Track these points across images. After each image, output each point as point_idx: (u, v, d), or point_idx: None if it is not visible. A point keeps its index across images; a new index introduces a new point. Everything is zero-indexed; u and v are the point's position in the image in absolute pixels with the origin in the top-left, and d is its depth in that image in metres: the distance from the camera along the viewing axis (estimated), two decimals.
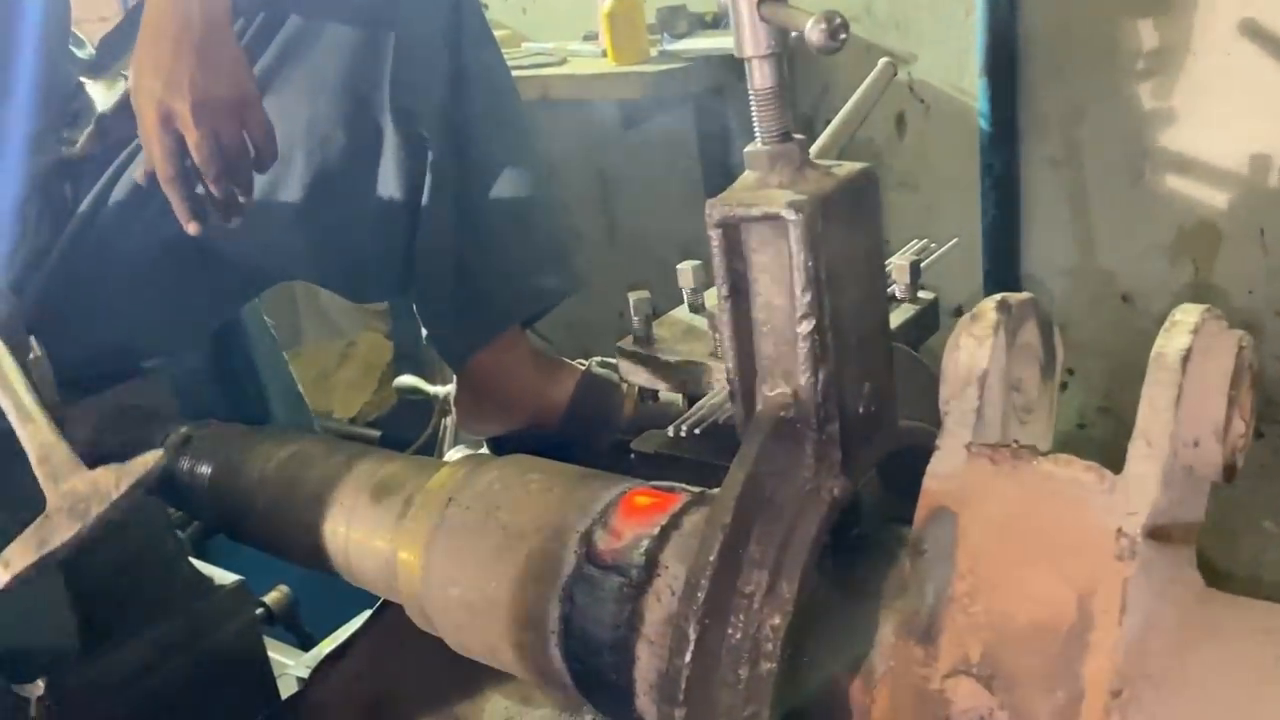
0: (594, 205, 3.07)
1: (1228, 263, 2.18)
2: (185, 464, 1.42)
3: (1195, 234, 2.20)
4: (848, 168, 0.77)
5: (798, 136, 0.76)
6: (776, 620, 0.75)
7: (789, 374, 0.77)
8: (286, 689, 2.01)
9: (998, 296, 0.78)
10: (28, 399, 1.10)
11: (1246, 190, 2.11)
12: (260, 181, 1.46)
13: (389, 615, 1.59)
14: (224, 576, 1.91)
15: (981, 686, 0.69)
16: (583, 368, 1.71)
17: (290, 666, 2.06)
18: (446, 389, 1.96)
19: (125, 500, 1.00)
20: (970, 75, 2.34)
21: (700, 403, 1.17)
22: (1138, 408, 0.65)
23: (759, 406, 0.79)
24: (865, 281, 0.77)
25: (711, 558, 0.72)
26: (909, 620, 0.73)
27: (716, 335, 1.28)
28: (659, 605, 0.91)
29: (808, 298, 0.72)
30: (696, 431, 1.13)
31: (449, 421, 1.93)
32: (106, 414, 1.55)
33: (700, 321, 1.43)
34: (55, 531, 1.00)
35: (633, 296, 1.36)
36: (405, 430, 3.23)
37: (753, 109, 0.77)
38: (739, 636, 0.74)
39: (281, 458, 1.32)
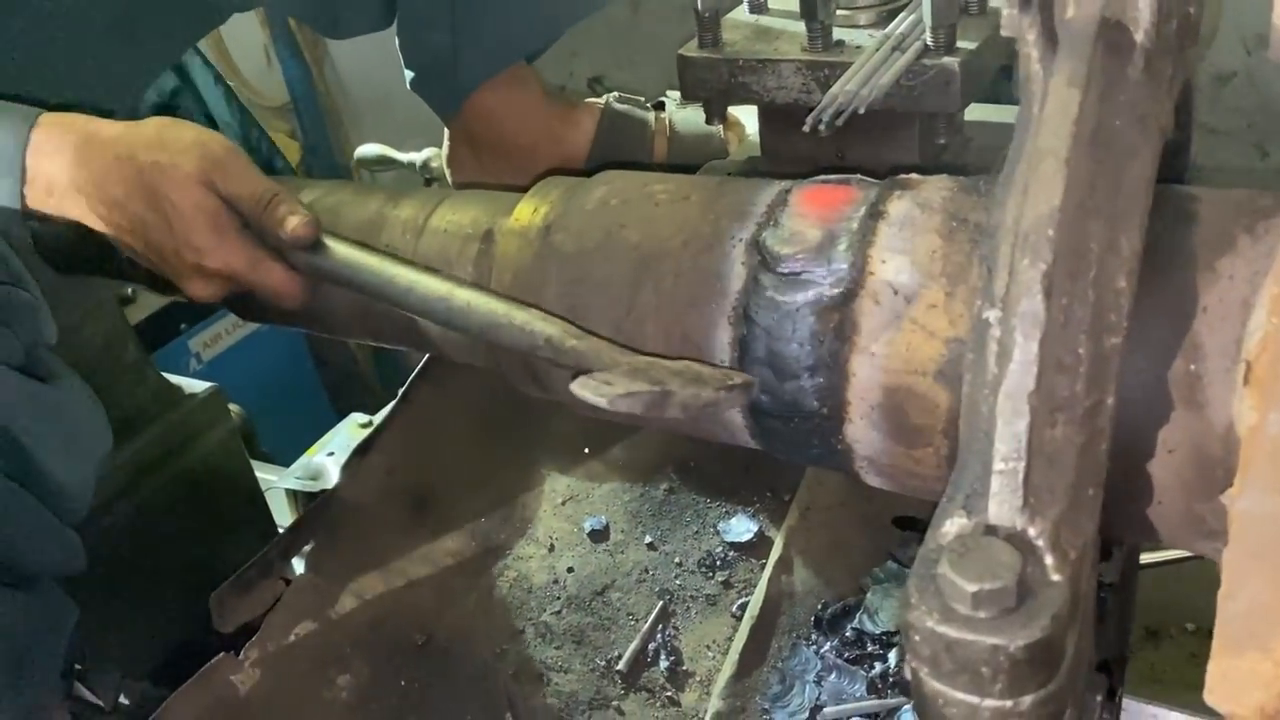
0: None
1: None
2: None
3: None
4: None
5: None
6: (1122, 283, 0.58)
7: None
8: (276, 504, 1.82)
9: None
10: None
11: None
12: None
13: (416, 401, 1.40)
14: (193, 385, 1.68)
15: None
16: (600, 105, 1.48)
17: (274, 481, 1.86)
18: (425, 153, 1.70)
19: None
20: None
21: (831, 92, 0.97)
22: None
23: (1069, 12, 0.60)
24: None
25: (1057, 202, 0.55)
26: None
27: (813, 27, 1.07)
28: (878, 309, 0.74)
29: None
30: (838, 123, 0.94)
31: (436, 189, 1.68)
32: None
33: (769, 21, 1.21)
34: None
35: None
36: None
37: None
38: (1074, 305, 0.57)
39: None
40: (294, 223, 0.90)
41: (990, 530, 0.56)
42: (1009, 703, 0.54)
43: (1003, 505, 0.56)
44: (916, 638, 0.54)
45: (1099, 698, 0.66)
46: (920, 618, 0.54)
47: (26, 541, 1.05)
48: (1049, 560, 0.55)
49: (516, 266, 0.91)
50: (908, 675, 0.59)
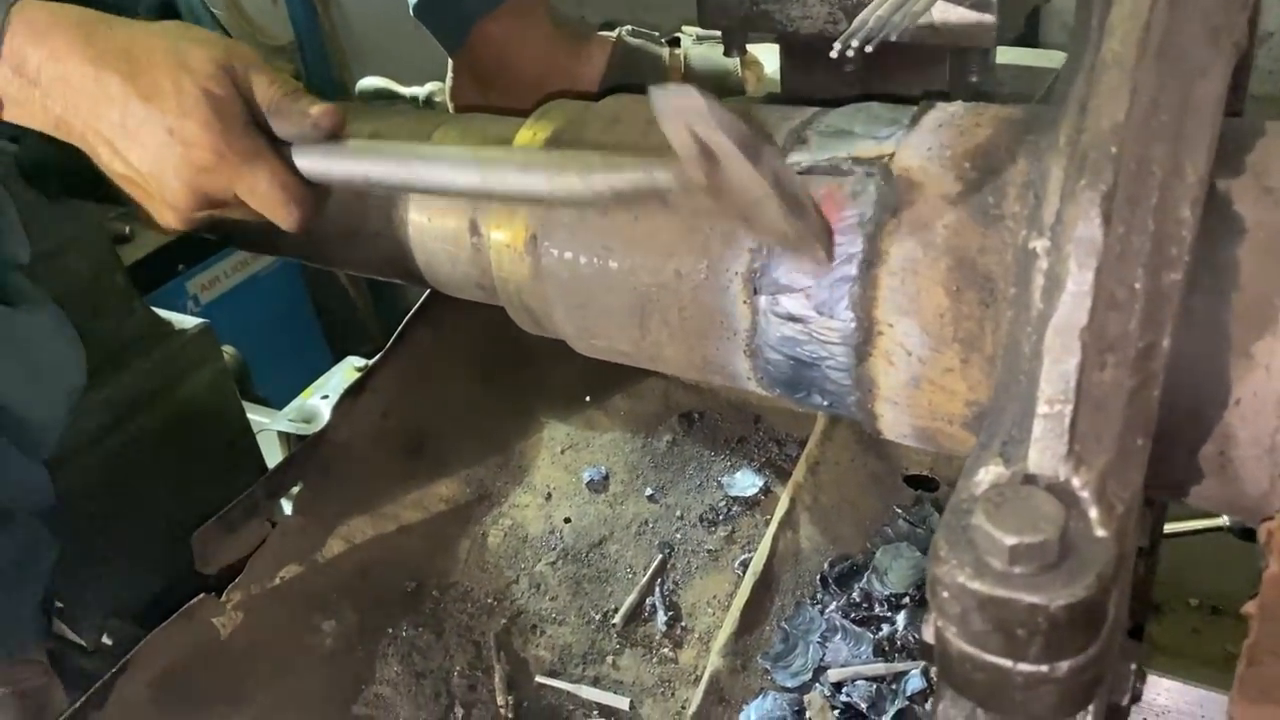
0: None
1: None
2: None
3: None
4: None
5: None
6: (1185, 213, 0.53)
7: None
8: (267, 445, 1.77)
9: None
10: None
11: None
12: None
13: (413, 342, 1.34)
14: (184, 320, 1.62)
15: None
16: (612, 39, 1.42)
17: (267, 424, 1.81)
18: (428, 87, 1.64)
19: None
20: None
21: (861, 16, 0.91)
22: None
23: None
24: None
25: (1121, 117, 0.49)
26: None
27: None
28: (894, 369, 0.69)
29: None
30: (868, 49, 0.87)
31: (435, 112, 1.62)
32: None
33: None
34: None
35: None
36: None
37: None
38: (1132, 235, 0.52)
39: None
40: (320, 109, 0.81)
41: (1030, 480, 0.51)
42: (1045, 668, 0.49)
43: (1045, 452, 0.51)
44: (945, 594, 0.49)
45: (1133, 665, 0.62)
46: (950, 572, 0.49)
47: None
48: (1094, 514, 0.50)
49: None
50: (928, 637, 0.54)
